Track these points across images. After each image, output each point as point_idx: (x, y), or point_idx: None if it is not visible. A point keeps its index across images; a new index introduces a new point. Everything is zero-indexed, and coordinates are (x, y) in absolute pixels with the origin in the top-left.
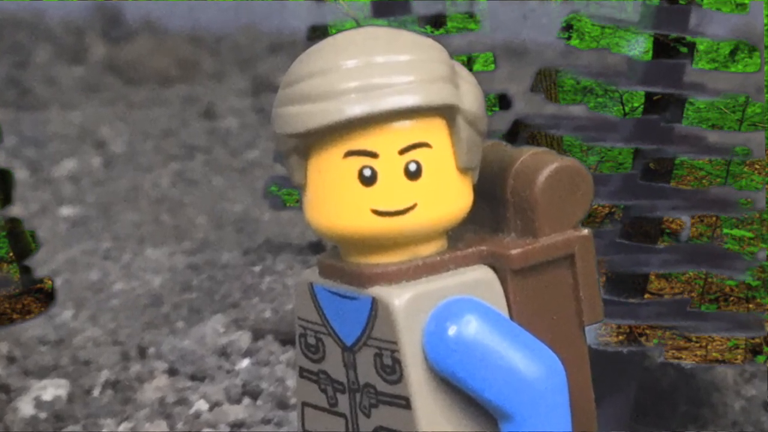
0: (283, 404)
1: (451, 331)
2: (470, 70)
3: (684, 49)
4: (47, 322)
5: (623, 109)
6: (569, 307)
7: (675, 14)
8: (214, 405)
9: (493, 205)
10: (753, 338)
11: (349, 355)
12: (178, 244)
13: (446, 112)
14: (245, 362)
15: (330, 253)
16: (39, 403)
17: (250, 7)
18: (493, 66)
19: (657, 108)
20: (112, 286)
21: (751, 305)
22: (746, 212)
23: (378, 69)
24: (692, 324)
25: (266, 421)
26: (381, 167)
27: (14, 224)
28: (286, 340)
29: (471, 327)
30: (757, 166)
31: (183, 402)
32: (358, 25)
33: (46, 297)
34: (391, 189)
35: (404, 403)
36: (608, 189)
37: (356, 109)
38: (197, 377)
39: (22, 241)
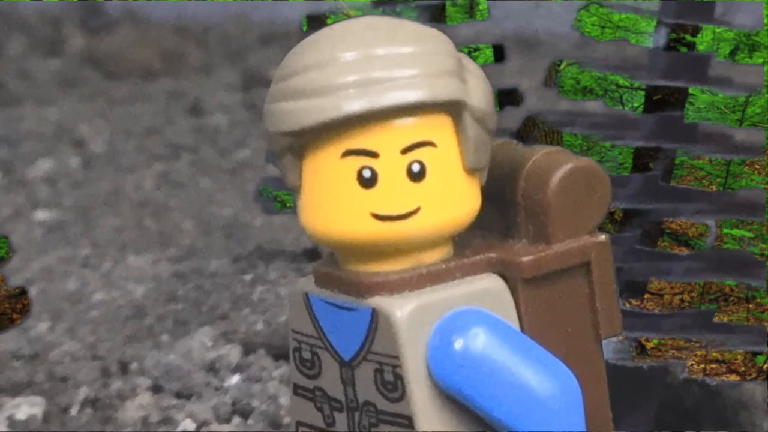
0: (276, 424)
1: (458, 344)
2: None
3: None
4: (21, 335)
5: (623, 110)
6: (585, 319)
7: (700, 2)
8: (201, 425)
9: (503, 208)
10: None
11: (348, 370)
12: (163, 251)
13: (452, 108)
14: (235, 378)
15: (327, 261)
16: (12, 423)
17: None
18: (493, 60)
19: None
20: (92, 296)
21: (751, 305)
22: None
23: (378, 62)
24: (719, 338)
25: None
26: (381, 168)
27: None
28: (280, 355)
29: (479, 340)
30: (757, 166)
31: (168, 421)
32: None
33: (21, 308)
34: (393, 191)
35: (407, 422)
36: (627, 191)
37: (355, 105)
38: (183, 395)
39: None
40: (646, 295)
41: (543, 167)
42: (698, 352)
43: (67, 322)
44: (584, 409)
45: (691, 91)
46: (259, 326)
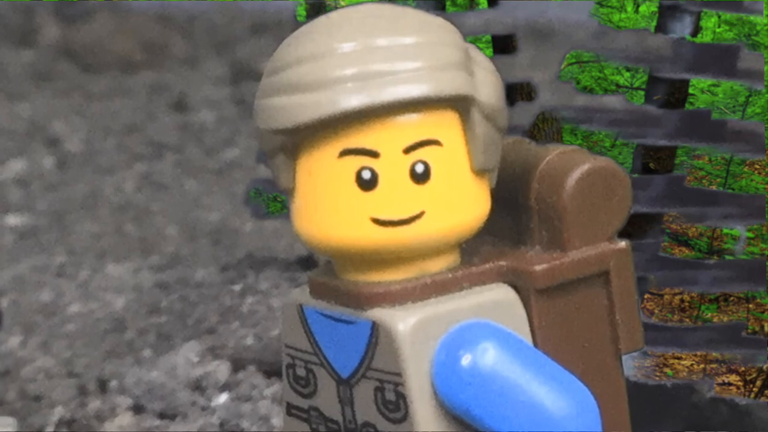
0: None
1: (465, 360)
2: None
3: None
4: None
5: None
6: (603, 333)
7: None
8: None
9: (515, 213)
10: None
11: (346, 389)
12: (145, 259)
13: (459, 104)
14: (223, 397)
15: (323, 270)
16: None
17: None
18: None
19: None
20: (67, 308)
21: (751, 305)
22: None
23: (379, 53)
24: (749, 353)
25: None
26: (382, 169)
27: None
28: (271, 372)
29: (488, 356)
30: (757, 166)
31: None
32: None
33: None
34: (395, 194)
35: None
36: (648, 194)
37: (353, 100)
38: (167, 415)
39: None
40: (646, 295)
41: (558, 168)
42: (698, 352)
43: (41, 336)
44: (603, 430)
45: (691, 90)
46: (249, 341)
